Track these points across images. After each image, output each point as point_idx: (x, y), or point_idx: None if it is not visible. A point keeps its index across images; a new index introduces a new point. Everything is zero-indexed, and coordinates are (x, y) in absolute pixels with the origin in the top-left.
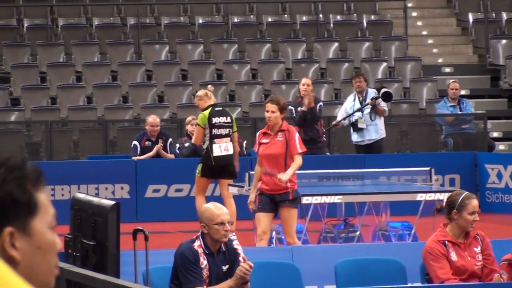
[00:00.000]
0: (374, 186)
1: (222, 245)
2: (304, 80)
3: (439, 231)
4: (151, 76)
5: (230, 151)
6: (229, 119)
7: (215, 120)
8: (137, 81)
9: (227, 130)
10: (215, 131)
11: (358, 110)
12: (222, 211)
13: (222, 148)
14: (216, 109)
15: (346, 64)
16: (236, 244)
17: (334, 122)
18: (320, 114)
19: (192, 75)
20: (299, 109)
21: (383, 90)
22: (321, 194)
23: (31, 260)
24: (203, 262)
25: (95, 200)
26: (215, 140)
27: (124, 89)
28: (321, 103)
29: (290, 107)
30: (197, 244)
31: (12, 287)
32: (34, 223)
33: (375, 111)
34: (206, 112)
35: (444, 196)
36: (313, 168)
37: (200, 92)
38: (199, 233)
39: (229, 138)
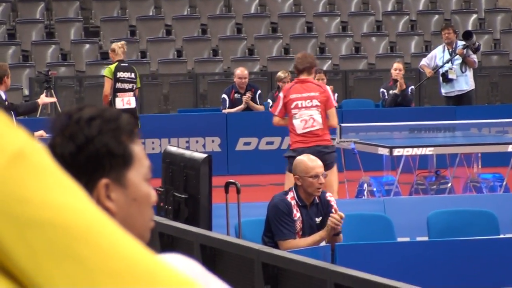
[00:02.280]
0: (465, 138)
1: (316, 197)
2: (395, 65)
3: None
4: (241, 29)
5: (133, 105)
6: (133, 75)
7: (120, 74)
8: (227, 34)
9: (131, 85)
10: (118, 85)
11: (448, 61)
12: (316, 164)
13: (125, 102)
14: (122, 64)
15: (436, 16)
16: (329, 196)
17: (427, 73)
18: (412, 97)
19: (282, 28)
20: (390, 92)
21: (464, 32)
22: (412, 146)
23: (126, 212)
24: (296, 214)
25: (187, 153)
26: (118, 94)
27: (213, 42)
28: (412, 87)
29: (382, 89)
30: (290, 196)
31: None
32: (129, 174)
33: (465, 62)
34: (112, 66)
35: None
36: (403, 120)
37: (112, 46)
38: (293, 185)
39: (132, 93)
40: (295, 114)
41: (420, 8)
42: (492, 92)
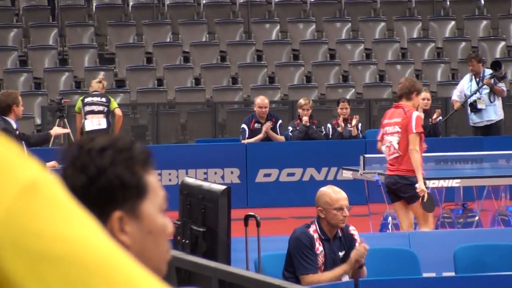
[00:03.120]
0: (493, 169)
1: (339, 230)
2: (424, 94)
3: None
4: (261, 57)
5: (103, 126)
6: (104, 99)
7: (86, 100)
8: (247, 61)
9: (101, 107)
10: (86, 108)
11: (476, 92)
12: (341, 196)
13: (94, 123)
14: (93, 92)
15: (463, 44)
16: (352, 230)
17: (456, 107)
18: (440, 128)
19: (304, 55)
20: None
21: (492, 62)
22: (439, 178)
23: (142, 245)
24: (319, 248)
25: (205, 184)
26: (87, 116)
27: (233, 70)
28: (440, 117)
29: None
30: (312, 229)
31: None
32: (143, 206)
33: (493, 91)
34: (81, 98)
35: None
36: (430, 151)
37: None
38: (315, 218)
39: (103, 115)
40: (384, 140)
41: (447, 35)
42: None
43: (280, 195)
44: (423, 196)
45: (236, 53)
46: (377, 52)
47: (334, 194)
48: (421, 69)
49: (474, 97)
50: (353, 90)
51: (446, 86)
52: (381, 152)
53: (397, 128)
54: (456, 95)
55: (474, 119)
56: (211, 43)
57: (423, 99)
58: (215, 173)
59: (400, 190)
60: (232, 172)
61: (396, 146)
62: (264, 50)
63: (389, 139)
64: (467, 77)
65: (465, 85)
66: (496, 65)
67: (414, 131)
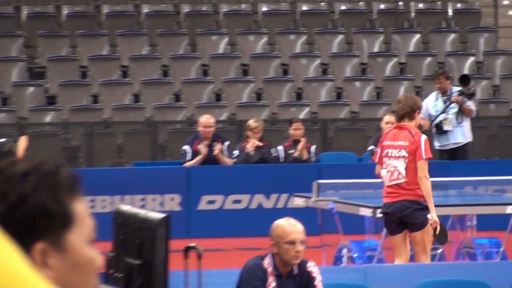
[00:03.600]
0: (459, 197)
1: (295, 267)
2: (387, 118)
3: None
4: (207, 71)
5: None
6: None
7: None
8: (191, 76)
9: None
10: None
11: (442, 111)
12: (295, 229)
13: None
14: None
15: (429, 59)
16: (311, 266)
17: (426, 127)
18: None
19: (254, 70)
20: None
21: (460, 76)
22: None
23: (67, 279)
24: (271, 283)
25: (142, 212)
26: None
27: (176, 86)
28: None
29: (371, 146)
30: (266, 262)
31: None
32: (69, 237)
33: (462, 110)
34: None
35: None
36: None
37: None
38: (270, 251)
39: None
40: (384, 163)
41: (411, 49)
42: (490, 145)
43: (225, 224)
44: (436, 228)
45: (179, 67)
46: (334, 68)
47: (288, 226)
48: (382, 86)
49: (440, 118)
50: (308, 109)
51: None
52: (378, 177)
53: (404, 152)
54: (421, 114)
55: (439, 141)
56: (152, 57)
57: (387, 123)
58: (154, 199)
59: (411, 216)
60: (172, 199)
61: (404, 172)
62: (211, 64)
63: (394, 163)
64: (432, 95)
65: (431, 104)
66: (464, 79)
67: (424, 157)
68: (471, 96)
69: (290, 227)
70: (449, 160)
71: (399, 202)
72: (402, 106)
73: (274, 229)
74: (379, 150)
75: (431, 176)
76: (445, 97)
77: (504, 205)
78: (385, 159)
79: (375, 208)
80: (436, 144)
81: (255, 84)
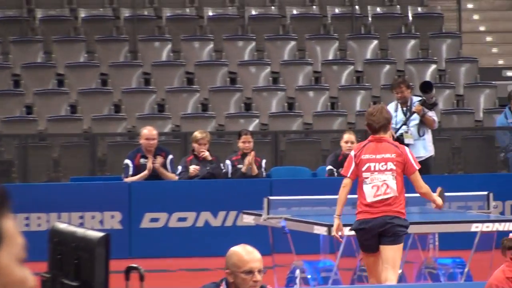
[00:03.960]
0: (420, 215)
1: None
2: (347, 137)
3: (508, 267)
4: (149, 80)
5: None
6: None
7: None
8: (132, 86)
9: None
10: None
11: (403, 123)
12: (253, 257)
13: None
14: None
15: (387, 67)
16: None
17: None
18: None
19: (200, 78)
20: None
21: (421, 83)
22: None
23: None
24: None
25: (80, 231)
26: None
27: (115, 95)
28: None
29: (329, 166)
30: None
31: None
32: None
33: (423, 122)
34: None
35: (506, 227)
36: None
37: None
38: (225, 278)
39: None
40: (366, 178)
41: (368, 56)
42: (453, 159)
43: (169, 243)
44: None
45: (119, 76)
46: (285, 76)
47: (245, 254)
48: (337, 96)
49: (400, 130)
50: (257, 120)
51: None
52: (342, 192)
53: (391, 165)
54: None
55: None
56: (90, 64)
57: (346, 142)
58: (93, 217)
59: (389, 230)
60: (112, 216)
61: (394, 186)
62: (153, 72)
63: (381, 177)
64: (391, 106)
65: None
66: (426, 87)
67: (417, 167)
68: (433, 106)
69: (248, 255)
70: None
71: (380, 217)
72: (377, 119)
73: (229, 257)
74: (352, 163)
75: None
76: (405, 108)
77: (469, 222)
78: (365, 174)
79: (330, 226)
80: None
81: (200, 94)
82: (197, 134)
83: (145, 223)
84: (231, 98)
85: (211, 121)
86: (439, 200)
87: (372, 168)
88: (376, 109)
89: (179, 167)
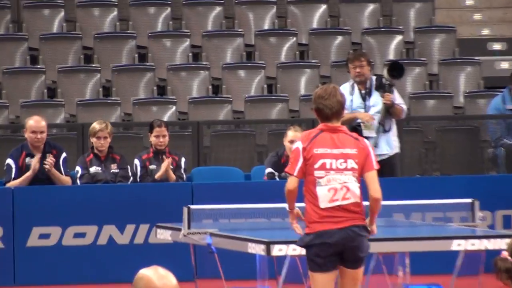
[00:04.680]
0: (385, 229)
1: None
2: (291, 134)
3: None
4: (37, 58)
5: None
6: None
7: None
8: (15, 65)
9: None
10: None
11: (364, 109)
12: (167, 282)
13: None
14: None
15: (339, 38)
16: None
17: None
18: None
19: (100, 55)
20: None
21: (390, 64)
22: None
23: None
24: None
25: None
26: None
27: None
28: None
29: (269, 169)
30: None
31: None
32: None
33: (390, 112)
34: None
35: (496, 244)
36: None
37: None
38: None
39: None
40: (320, 178)
41: (314, 25)
42: (426, 157)
43: (64, 266)
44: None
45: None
46: (209, 51)
47: (156, 279)
48: (276, 76)
49: (357, 120)
50: (174, 108)
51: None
52: (289, 196)
53: (353, 163)
54: None
55: None
56: None
57: (291, 142)
58: None
59: (361, 247)
60: None
61: (356, 189)
62: (41, 48)
63: (341, 178)
64: (345, 87)
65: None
66: (395, 69)
67: (376, 167)
68: (389, 88)
69: (160, 280)
70: None
71: (347, 228)
72: (330, 103)
73: (137, 282)
74: (300, 159)
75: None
76: (364, 91)
77: (449, 239)
78: (319, 173)
79: (270, 243)
80: None
81: (101, 75)
82: (96, 125)
83: (33, 240)
84: (140, 80)
85: (115, 108)
86: (374, 228)
87: (328, 166)
88: (327, 91)
89: (78, 169)
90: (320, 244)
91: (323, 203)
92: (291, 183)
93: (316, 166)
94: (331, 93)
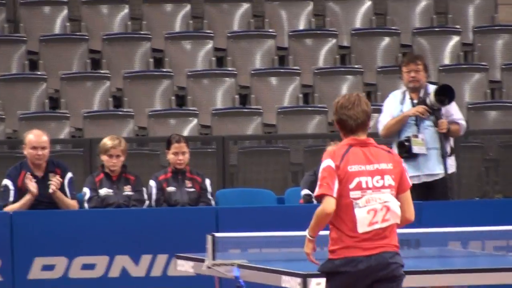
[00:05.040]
0: (440, 259)
1: None
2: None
3: None
4: (36, 63)
5: None
6: None
7: None
8: (12, 72)
9: None
10: None
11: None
12: None
13: None
14: None
15: (386, 39)
16: None
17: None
18: None
19: (110, 59)
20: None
21: (437, 87)
22: None
23: None
24: None
25: None
26: None
27: None
28: None
29: (305, 191)
30: None
31: None
32: None
33: (446, 134)
34: None
35: None
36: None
37: None
38: None
39: None
40: (357, 199)
41: (357, 24)
42: (487, 176)
43: None
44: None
45: None
46: (236, 55)
47: None
48: (312, 83)
49: (407, 133)
50: (195, 121)
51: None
52: (325, 219)
53: (390, 180)
54: (384, 121)
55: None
56: None
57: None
58: None
59: (391, 275)
60: None
61: (397, 209)
62: (41, 50)
63: (379, 197)
64: (396, 95)
65: (394, 109)
66: (443, 92)
67: (411, 183)
68: (438, 112)
69: None
70: (420, 200)
71: (378, 255)
72: (355, 113)
73: None
74: (335, 178)
75: None
76: (416, 100)
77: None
78: (355, 193)
79: (307, 276)
80: None
81: (111, 82)
82: (107, 141)
83: (35, 273)
84: (156, 88)
85: (128, 121)
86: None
87: (364, 185)
88: (350, 99)
89: (86, 190)
90: (343, 274)
91: (362, 228)
92: (331, 205)
93: (352, 186)
94: (355, 102)
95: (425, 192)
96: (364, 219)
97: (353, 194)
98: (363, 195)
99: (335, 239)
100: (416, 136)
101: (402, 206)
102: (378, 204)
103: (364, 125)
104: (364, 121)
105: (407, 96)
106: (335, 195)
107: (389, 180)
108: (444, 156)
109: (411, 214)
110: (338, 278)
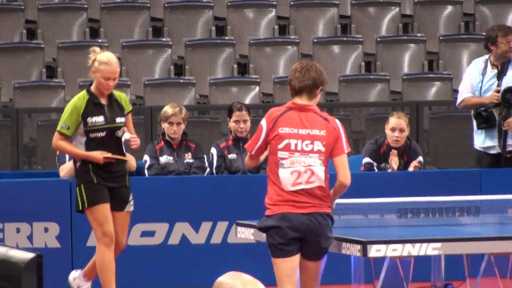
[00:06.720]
0: (498, 226)
1: None
2: (394, 121)
3: None
4: (97, 31)
5: None
6: None
7: None
8: (73, 40)
9: None
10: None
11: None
12: None
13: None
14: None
15: (449, 8)
16: None
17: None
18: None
19: (170, 26)
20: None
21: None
22: (404, 240)
23: None
24: None
25: (0, 251)
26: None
27: (50, 53)
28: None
29: (366, 159)
30: None
31: None
32: None
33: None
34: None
35: None
36: (388, 192)
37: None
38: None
39: None
40: (283, 159)
41: None
42: None
43: (130, 268)
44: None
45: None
46: (298, 24)
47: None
48: (375, 52)
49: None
50: (257, 89)
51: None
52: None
53: (319, 146)
54: (465, 94)
55: (481, 139)
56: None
57: (393, 130)
58: (18, 229)
59: (323, 237)
60: (46, 229)
61: (321, 173)
62: (102, 17)
63: (305, 161)
64: (478, 62)
65: (475, 78)
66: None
67: (347, 150)
68: (508, 111)
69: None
70: (486, 168)
71: (311, 215)
72: (301, 77)
73: None
74: (261, 137)
75: (455, 193)
76: (499, 68)
77: None
78: (282, 154)
79: (366, 243)
80: (476, 143)
81: (172, 50)
82: (168, 109)
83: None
84: (217, 57)
85: (189, 89)
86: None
87: (293, 147)
88: (303, 64)
89: (147, 158)
90: (276, 228)
91: (286, 186)
92: (247, 161)
93: (280, 146)
94: (306, 67)
95: (496, 162)
96: (287, 179)
97: (280, 154)
98: (290, 156)
99: (269, 194)
100: (497, 106)
101: (336, 169)
102: (301, 167)
103: (310, 91)
104: (309, 87)
105: (489, 64)
106: (253, 152)
107: (318, 146)
108: None
109: (345, 177)
110: (272, 232)
